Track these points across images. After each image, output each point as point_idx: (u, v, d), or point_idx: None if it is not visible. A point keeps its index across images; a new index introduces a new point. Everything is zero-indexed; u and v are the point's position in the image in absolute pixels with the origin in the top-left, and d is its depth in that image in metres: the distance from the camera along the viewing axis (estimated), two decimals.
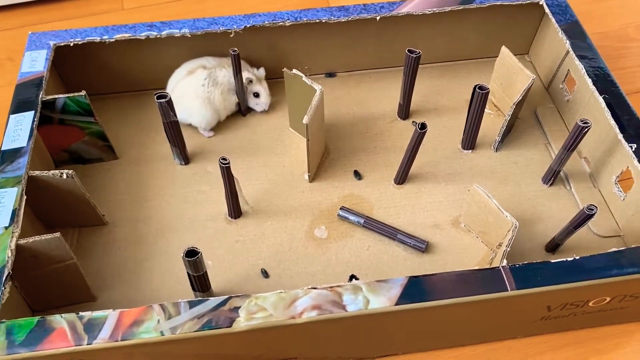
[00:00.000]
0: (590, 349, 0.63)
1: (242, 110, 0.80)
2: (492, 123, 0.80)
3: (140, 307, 0.52)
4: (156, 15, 0.96)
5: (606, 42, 0.93)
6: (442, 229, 0.70)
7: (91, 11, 0.96)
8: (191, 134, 0.78)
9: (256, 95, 0.79)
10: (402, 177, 0.73)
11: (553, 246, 0.67)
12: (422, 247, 0.67)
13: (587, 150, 0.75)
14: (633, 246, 0.56)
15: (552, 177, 0.72)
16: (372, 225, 0.69)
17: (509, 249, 0.60)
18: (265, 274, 0.66)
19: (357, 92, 0.84)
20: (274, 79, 0.82)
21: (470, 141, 0.76)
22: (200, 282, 0.59)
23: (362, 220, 0.69)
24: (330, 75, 0.84)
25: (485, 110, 0.81)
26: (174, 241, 0.69)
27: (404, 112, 0.80)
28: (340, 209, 0.71)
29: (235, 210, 0.69)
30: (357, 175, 0.74)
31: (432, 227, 0.70)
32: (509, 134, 0.79)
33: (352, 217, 0.70)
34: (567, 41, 0.75)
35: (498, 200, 0.72)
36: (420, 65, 0.85)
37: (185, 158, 0.75)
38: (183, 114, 0.75)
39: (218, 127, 0.79)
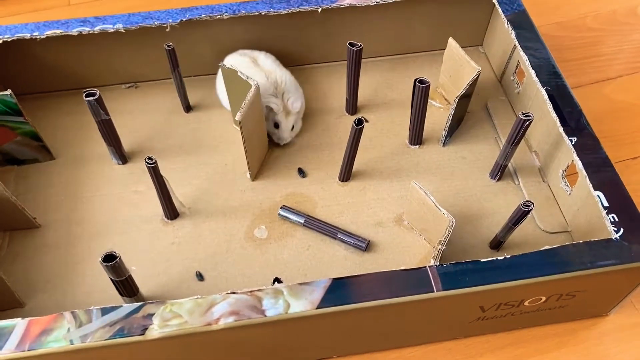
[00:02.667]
0: (531, 349, 0.61)
1: (184, 106, 0.78)
2: (441, 117, 0.78)
3: (50, 315, 0.50)
4: (103, 11, 0.93)
5: (563, 32, 0.91)
6: (385, 227, 0.68)
7: (34, 7, 0.93)
8: (131, 133, 0.76)
9: (276, 125, 0.72)
10: (346, 175, 0.71)
11: (497, 243, 0.65)
12: (363, 246, 0.66)
13: (536, 143, 0.73)
14: (566, 244, 0.54)
15: (499, 171, 0.71)
16: (313, 224, 0.67)
17: (443, 248, 0.58)
18: (200, 276, 0.64)
19: (304, 87, 0.81)
20: (215, 75, 0.80)
21: (416, 136, 0.74)
22: (125, 287, 0.57)
23: (302, 220, 0.67)
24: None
25: (435, 103, 0.79)
26: (107, 244, 0.66)
27: (352, 107, 0.78)
28: (281, 208, 0.69)
29: (170, 211, 0.67)
30: (301, 173, 0.72)
31: (375, 225, 0.68)
32: (458, 128, 0.77)
33: (292, 217, 0.68)
34: (513, 32, 0.72)
35: (443, 196, 0.70)
36: (371, 59, 0.84)
37: (122, 157, 0.73)
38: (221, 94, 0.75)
39: (158, 125, 0.77)
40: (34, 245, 0.66)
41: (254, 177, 0.72)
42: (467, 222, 0.68)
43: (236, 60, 0.73)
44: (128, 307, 0.50)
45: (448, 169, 0.73)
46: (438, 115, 0.78)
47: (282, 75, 0.72)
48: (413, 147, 0.75)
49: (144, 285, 0.62)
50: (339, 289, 0.51)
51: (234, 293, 0.50)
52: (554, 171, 0.69)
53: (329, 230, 0.67)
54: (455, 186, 0.72)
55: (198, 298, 0.50)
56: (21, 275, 0.64)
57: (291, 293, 0.50)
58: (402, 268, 0.52)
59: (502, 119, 0.78)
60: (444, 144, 0.75)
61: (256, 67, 0.71)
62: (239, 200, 0.70)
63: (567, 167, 0.66)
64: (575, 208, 0.65)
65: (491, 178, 0.72)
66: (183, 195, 0.70)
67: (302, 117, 0.76)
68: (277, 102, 0.70)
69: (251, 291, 0.50)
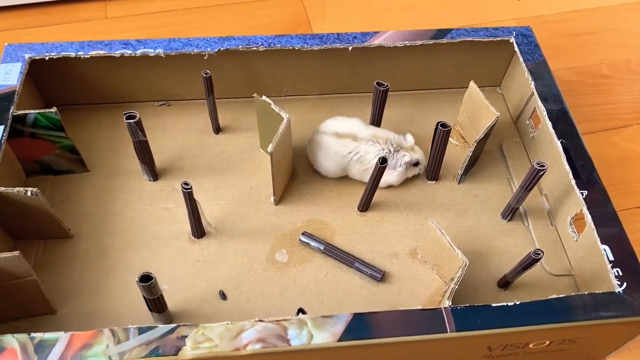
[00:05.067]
0: None
1: (214, 128, 0.82)
2: (458, 154, 0.82)
3: (91, 330, 0.53)
4: (138, 27, 0.97)
5: (578, 77, 0.95)
6: (399, 259, 0.72)
7: (74, 18, 0.97)
8: (162, 150, 0.80)
9: (415, 164, 0.77)
10: (365, 205, 0.75)
11: (504, 283, 0.69)
12: (378, 276, 0.69)
13: (547, 188, 0.77)
14: (572, 294, 0.58)
15: (511, 213, 0.74)
16: (332, 252, 0.71)
17: (456, 287, 0.62)
18: (223, 295, 0.68)
19: (329, 116, 0.85)
20: (247, 98, 0.84)
21: (434, 173, 0.78)
22: (155, 305, 0.61)
23: (322, 247, 0.71)
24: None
25: (453, 141, 0.83)
26: (136, 257, 0.70)
27: None
28: (302, 234, 0.72)
29: (198, 230, 0.71)
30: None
31: (390, 256, 0.72)
32: (473, 167, 0.81)
33: (312, 243, 0.72)
34: (532, 82, 0.76)
35: (456, 232, 0.74)
36: (393, 92, 0.88)
37: (154, 174, 0.76)
38: (312, 156, 0.77)
39: (188, 145, 0.81)
40: (67, 254, 0.70)
41: (278, 201, 0.76)
42: (477, 259, 0.72)
43: (338, 145, 0.74)
44: (163, 327, 0.53)
45: (462, 207, 0.77)
46: (455, 152, 0.82)
47: (381, 132, 0.75)
48: (430, 182, 0.79)
49: (170, 300, 0.66)
50: (359, 324, 0.54)
51: (261, 321, 0.54)
52: (562, 216, 0.73)
53: (347, 259, 0.70)
54: (468, 224, 0.75)
55: (228, 324, 0.54)
56: (54, 283, 0.67)
57: (315, 324, 0.54)
58: (419, 307, 0.56)
59: (516, 161, 0.81)
60: (459, 182, 0.79)
61: (361, 142, 0.74)
62: (262, 223, 0.74)
63: (576, 215, 0.70)
64: (581, 255, 0.69)
65: (502, 218, 0.76)
66: (210, 215, 0.74)
67: None
68: (405, 153, 0.75)
69: (277, 320, 0.54)
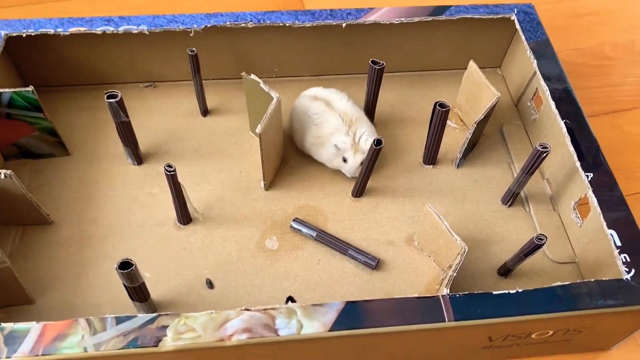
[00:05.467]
0: None
1: (201, 110, 0.78)
2: (456, 138, 0.78)
3: (66, 320, 0.50)
4: (121, 7, 0.93)
5: (581, 59, 0.92)
6: (395, 246, 0.69)
7: None
8: (147, 133, 0.76)
9: (345, 160, 0.70)
10: (360, 191, 0.72)
11: (505, 271, 0.66)
12: (373, 264, 0.66)
13: (549, 172, 0.73)
14: (577, 281, 0.54)
15: (511, 198, 0.71)
16: (324, 239, 0.68)
17: (454, 274, 0.58)
18: (210, 284, 0.64)
19: None
20: (236, 79, 0.80)
21: (431, 157, 0.74)
22: (136, 293, 0.57)
23: (314, 233, 0.68)
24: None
25: (451, 124, 0.80)
26: (119, 245, 0.67)
27: None
28: (294, 220, 0.69)
29: (184, 217, 0.68)
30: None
31: (386, 243, 0.69)
32: (472, 151, 0.77)
33: (304, 230, 0.68)
34: (535, 61, 0.73)
35: (454, 219, 0.71)
36: (389, 74, 0.84)
37: (138, 158, 0.73)
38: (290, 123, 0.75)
39: (174, 127, 0.77)
40: (46, 241, 0.67)
41: (268, 186, 0.72)
42: (476, 246, 0.69)
43: (310, 104, 0.72)
44: (142, 317, 0.50)
45: (460, 192, 0.74)
46: (453, 135, 0.79)
47: (356, 114, 0.71)
48: (427, 166, 0.76)
49: (154, 290, 0.63)
50: (352, 313, 0.51)
51: (248, 310, 0.51)
52: (566, 201, 0.70)
53: (340, 246, 0.67)
54: (467, 210, 0.72)
55: (212, 313, 0.50)
56: (32, 272, 0.64)
57: (305, 314, 0.51)
58: (415, 295, 0.53)
59: (517, 144, 0.78)
60: (458, 166, 0.76)
61: (330, 109, 0.70)
62: (251, 210, 0.71)
63: (580, 199, 0.67)
64: (585, 241, 0.65)
65: (502, 203, 0.72)
66: (196, 201, 0.70)
67: None
68: (345, 140, 0.69)
69: (265, 309, 0.51)
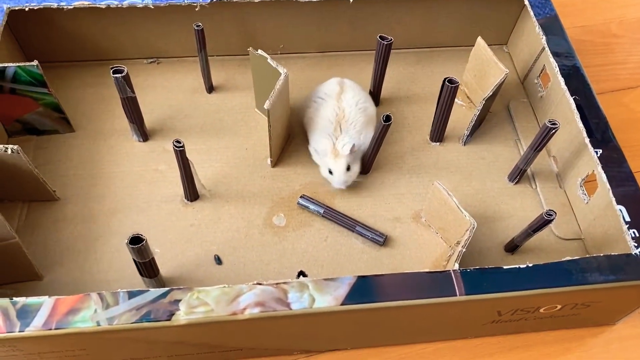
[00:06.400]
0: (539, 353, 0.62)
1: (206, 87, 0.77)
2: (463, 115, 0.78)
3: (77, 294, 0.50)
4: None
5: (587, 36, 0.91)
6: (402, 223, 0.69)
7: None
8: (152, 110, 0.76)
9: (330, 171, 0.67)
10: (367, 168, 0.72)
11: (512, 247, 0.66)
12: (381, 240, 0.66)
13: (556, 149, 0.73)
14: (586, 256, 0.55)
15: (518, 175, 0.71)
16: (332, 215, 0.68)
17: (464, 250, 0.58)
18: (218, 260, 0.64)
19: (328, 74, 0.81)
20: (242, 56, 0.80)
21: (438, 134, 0.74)
22: (146, 268, 0.57)
23: (321, 210, 0.68)
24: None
25: (458, 101, 0.79)
26: (126, 221, 0.67)
27: (375, 99, 0.77)
28: (301, 197, 0.69)
29: (191, 193, 0.67)
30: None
31: (393, 220, 0.69)
32: (478, 128, 0.77)
33: (312, 207, 0.68)
34: (544, 37, 0.72)
35: (461, 196, 0.71)
36: (395, 50, 0.83)
37: (143, 135, 0.72)
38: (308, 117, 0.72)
39: (179, 104, 0.77)
40: (52, 218, 0.66)
41: (274, 163, 0.72)
42: (483, 223, 0.69)
43: (328, 87, 0.71)
44: (155, 291, 0.50)
45: (467, 169, 0.74)
46: (460, 112, 0.78)
47: (355, 118, 0.68)
48: (434, 143, 0.75)
49: (162, 266, 0.62)
50: (364, 287, 0.51)
51: (260, 284, 0.51)
52: (572, 179, 0.70)
53: (348, 223, 0.67)
54: (474, 186, 0.72)
55: (225, 287, 0.50)
56: (39, 248, 0.64)
57: (316, 288, 0.51)
58: (426, 270, 0.53)
59: (523, 122, 0.78)
60: (465, 143, 0.75)
61: (336, 101, 0.68)
62: (258, 186, 0.70)
63: (587, 176, 0.67)
64: (592, 217, 0.66)
65: (509, 181, 0.72)
66: (203, 178, 0.70)
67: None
68: (325, 147, 0.65)
69: (277, 283, 0.51)
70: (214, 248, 0.65)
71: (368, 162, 0.71)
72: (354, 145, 0.65)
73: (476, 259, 0.66)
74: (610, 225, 0.61)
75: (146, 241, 0.54)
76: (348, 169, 0.67)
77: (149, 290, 0.50)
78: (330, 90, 0.71)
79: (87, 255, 0.64)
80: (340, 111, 0.68)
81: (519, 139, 0.76)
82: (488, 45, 0.73)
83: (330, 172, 0.67)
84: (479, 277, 0.53)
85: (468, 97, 0.80)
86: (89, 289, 0.61)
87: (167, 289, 0.50)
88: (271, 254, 0.65)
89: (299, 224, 0.68)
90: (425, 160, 0.74)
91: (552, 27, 0.74)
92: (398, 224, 0.69)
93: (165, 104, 0.77)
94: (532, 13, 0.75)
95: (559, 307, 0.57)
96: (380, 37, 0.70)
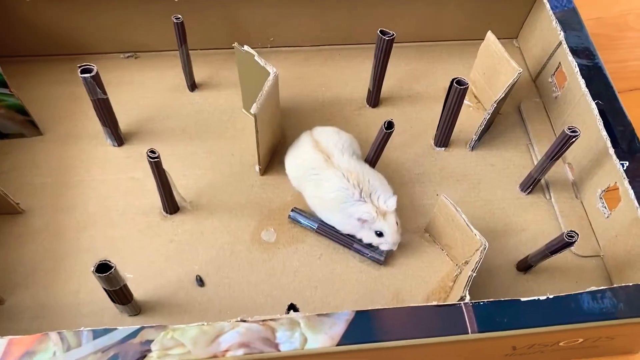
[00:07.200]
0: None
1: (188, 84, 0.70)
2: (471, 117, 0.71)
3: (34, 334, 0.43)
4: None
5: (602, 29, 0.84)
6: (404, 238, 0.62)
7: None
8: (128, 110, 0.69)
9: (379, 234, 0.58)
10: None
11: (525, 266, 0.60)
12: (381, 259, 0.60)
13: (572, 156, 0.67)
14: (614, 286, 0.49)
15: (531, 185, 0.65)
16: (327, 231, 0.61)
17: (474, 274, 0.52)
18: (200, 281, 0.58)
19: (323, 71, 0.75)
20: (227, 49, 0.73)
21: (444, 138, 0.68)
22: (118, 296, 0.51)
23: (315, 225, 0.61)
24: None
25: (465, 101, 0.73)
26: (98, 237, 0.60)
27: (374, 99, 0.71)
28: (292, 210, 0.62)
29: (170, 205, 0.61)
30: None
31: None
32: (487, 131, 0.70)
33: (304, 221, 0.62)
34: (561, 32, 0.66)
35: (469, 207, 0.65)
36: (396, 44, 0.76)
37: (118, 138, 0.65)
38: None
39: (159, 104, 0.70)
40: (16, 233, 0.60)
41: (264, 171, 0.66)
42: (493, 238, 0.63)
43: (309, 156, 0.61)
44: (123, 330, 0.44)
45: (475, 177, 0.67)
46: (467, 113, 0.72)
47: (363, 172, 0.59)
48: (438, 149, 0.69)
49: (138, 288, 0.56)
50: (363, 324, 0.45)
51: (244, 321, 0.44)
52: (591, 189, 0.64)
53: (344, 239, 0.61)
54: (482, 197, 0.66)
55: (203, 325, 0.44)
56: (0, 267, 0.57)
57: (309, 325, 0.45)
58: (434, 303, 0.47)
59: (536, 124, 0.71)
60: (472, 148, 0.69)
61: (330, 166, 0.59)
62: (246, 197, 0.64)
63: (608, 187, 0.61)
64: (614, 234, 0.60)
65: (521, 190, 0.66)
66: (184, 187, 0.63)
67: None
68: (369, 210, 0.56)
69: (264, 320, 0.45)
70: (196, 267, 0.59)
71: None
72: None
73: (485, 278, 0.60)
74: (635, 245, 0.55)
75: (115, 268, 0.47)
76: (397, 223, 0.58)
77: (116, 328, 0.44)
78: (314, 160, 0.60)
79: (53, 276, 0.58)
80: (346, 173, 0.58)
81: (531, 143, 0.70)
82: (497, 39, 0.66)
83: (379, 235, 0.58)
84: (493, 311, 0.47)
85: (476, 97, 0.73)
86: (55, 314, 0.55)
87: (137, 327, 0.44)
88: (259, 274, 0.59)
89: (291, 240, 0.61)
90: (429, 167, 0.67)
91: (570, 21, 0.67)
92: (400, 240, 0.62)
93: (144, 103, 0.70)
94: (548, 6, 0.68)
95: (580, 340, 0.51)
96: (380, 31, 0.63)
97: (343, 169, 0.59)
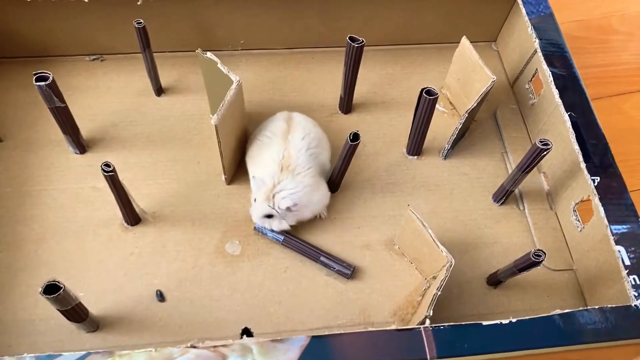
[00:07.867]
0: None
1: (155, 89, 0.68)
2: (445, 123, 0.70)
3: None
4: None
5: (585, 32, 0.82)
6: (372, 250, 0.61)
7: None
8: (92, 115, 0.66)
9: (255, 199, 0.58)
10: (334, 187, 0.63)
11: (495, 281, 0.58)
12: (348, 273, 0.58)
13: (547, 165, 0.66)
14: (580, 309, 0.47)
15: (504, 196, 0.63)
16: (293, 243, 0.60)
17: (439, 293, 0.51)
18: (160, 296, 0.56)
19: (295, 75, 0.73)
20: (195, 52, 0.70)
21: (416, 147, 0.66)
22: (72, 315, 0.49)
23: (281, 238, 0.60)
24: None
25: (439, 107, 0.71)
26: (57, 249, 0.58)
27: (346, 106, 0.69)
28: None
29: (131, 217, 0.59)
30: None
31: (362, 247, 0.61)
32: (461, 139, 0.69)
33: (270, 233, 0.60)
34: (536, 40, 0.64)
35: (440, 219, 0.63)
36: (371, 47, 0.75)
37: (80, 146, 0.63)
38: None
39: (124, 109, 0.68)
40: None
41: (230, 180, 0.64)
42: (464, 251, 0.61)
43: (274, 124, 0.61)
44: (69, 356, 0.42)
45: (447, 187, 0.66)
46: (441, 120, 0.70)
47: (301, 163, 0.58)
48: (411, 157, 0.67)
49: (96, 303, 0.55)
50: (318, 350, 0.44)
51: (194, 347, 0.43)
52: (565, 201, 0.62)
53: (311, 252, 0.59)
54: (454, 207, 0.64)
55: (152, 351, 0.42)
56: None
57: (262, 352, 0.43)
58: (394, 327, 0.45)
59: (511, 132, 0.70)
60: (445, 157, 0.67)
61: (282, 140, 0.59)
62: (210, 207, 0.62)
63: (581, 200, 0.59)
64: (586, 249, 0.58)
65: (494, 201, 0.65)
66: (148, 196, 0.61)
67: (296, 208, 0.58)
68: (266, 181, 0.56)
69: (215, 346, 0.43)
70: (156, 281, 0.57)
71: (336, 180, 0.62)
72: (296, 204, 0.56)
73: (455, 293, 0.59)
74: (606, 261, 0.54)
75: (65, 289, 0.46)
76: (270, 217, 0.57)
77: (61, 354, 0.42)
78: (277, 127, 0.61)
79: (10, 290, 0.56)
80: (287, 153, 0.58)
81: (506, 152, 0.68)
82: (475, 42, 0.65)
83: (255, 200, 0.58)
84: (454, 336, 0.45)
85: (450, 102, 0.72)
86: (10, 330, 0.54)
87: (83, 353, 0.42)
88: (222, 289, 0.57)
89: (256, 253, 0.60)
90: (400, 176, 0.66)
91: (546, 28, 0.65)
92: (368, 252, 0.61)
93: (108, 108, 0.68)
94: (524, 11, 0.66)
95: None
96: (350, 38, 0.60)
97: (287, 148, 0.58)
